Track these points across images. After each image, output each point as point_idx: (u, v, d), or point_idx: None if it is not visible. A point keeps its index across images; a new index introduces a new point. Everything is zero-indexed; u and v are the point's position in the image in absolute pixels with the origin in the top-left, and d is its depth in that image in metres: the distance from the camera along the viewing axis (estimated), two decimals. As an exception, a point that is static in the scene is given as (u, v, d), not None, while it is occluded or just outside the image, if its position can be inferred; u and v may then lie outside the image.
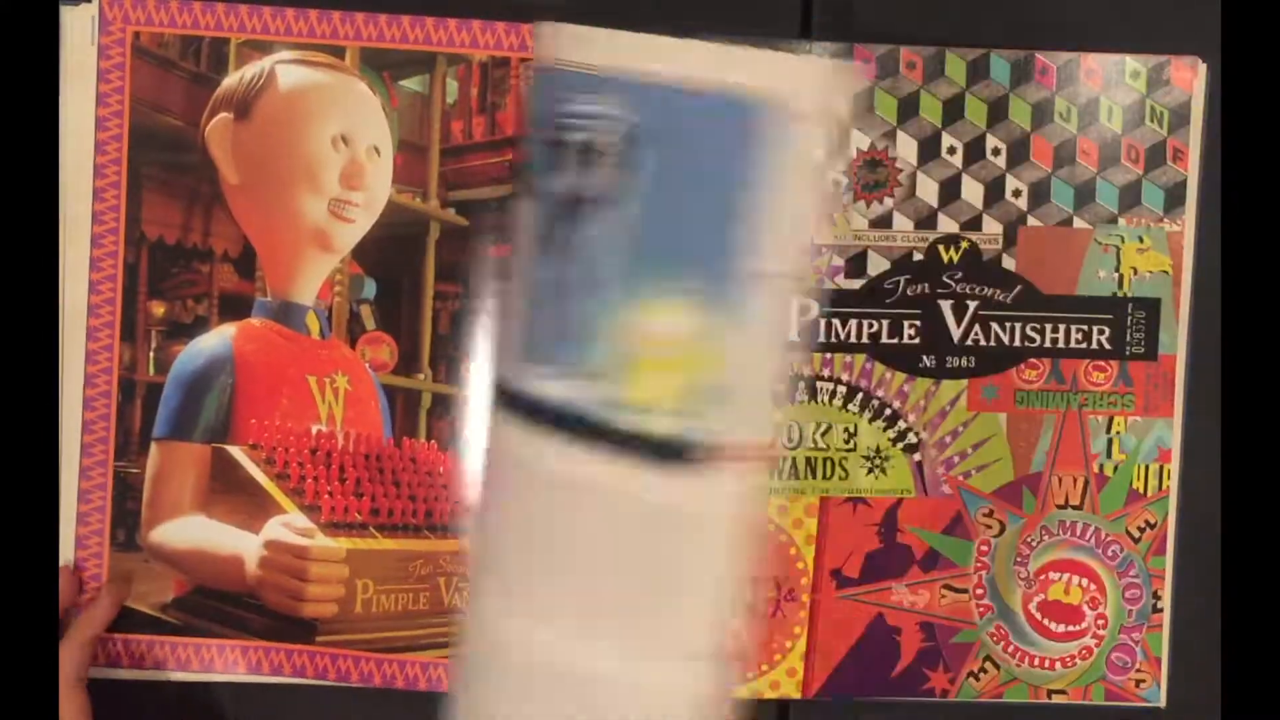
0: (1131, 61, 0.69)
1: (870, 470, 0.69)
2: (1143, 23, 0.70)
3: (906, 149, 0.69)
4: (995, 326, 0.70)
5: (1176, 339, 0.70)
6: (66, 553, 0.66)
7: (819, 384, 0.69)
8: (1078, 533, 0.70)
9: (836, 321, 0.69)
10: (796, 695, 0.69)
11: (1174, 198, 0.70)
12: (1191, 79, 0.69)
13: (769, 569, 0.69)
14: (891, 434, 0.70)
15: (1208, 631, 0.69)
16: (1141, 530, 0.70)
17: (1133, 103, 0.69)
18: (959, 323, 0.69)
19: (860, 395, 0.69)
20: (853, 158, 0.68)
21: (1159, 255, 0.70)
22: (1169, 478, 0.70)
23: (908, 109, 0.69)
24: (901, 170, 0.69)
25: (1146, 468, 0.70)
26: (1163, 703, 0.71)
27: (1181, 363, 0.70)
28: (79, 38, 0.64)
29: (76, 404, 0.65)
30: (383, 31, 0.65)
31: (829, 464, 0.69)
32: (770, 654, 0.69)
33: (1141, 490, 0.70)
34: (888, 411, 0.69)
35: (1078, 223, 0.70)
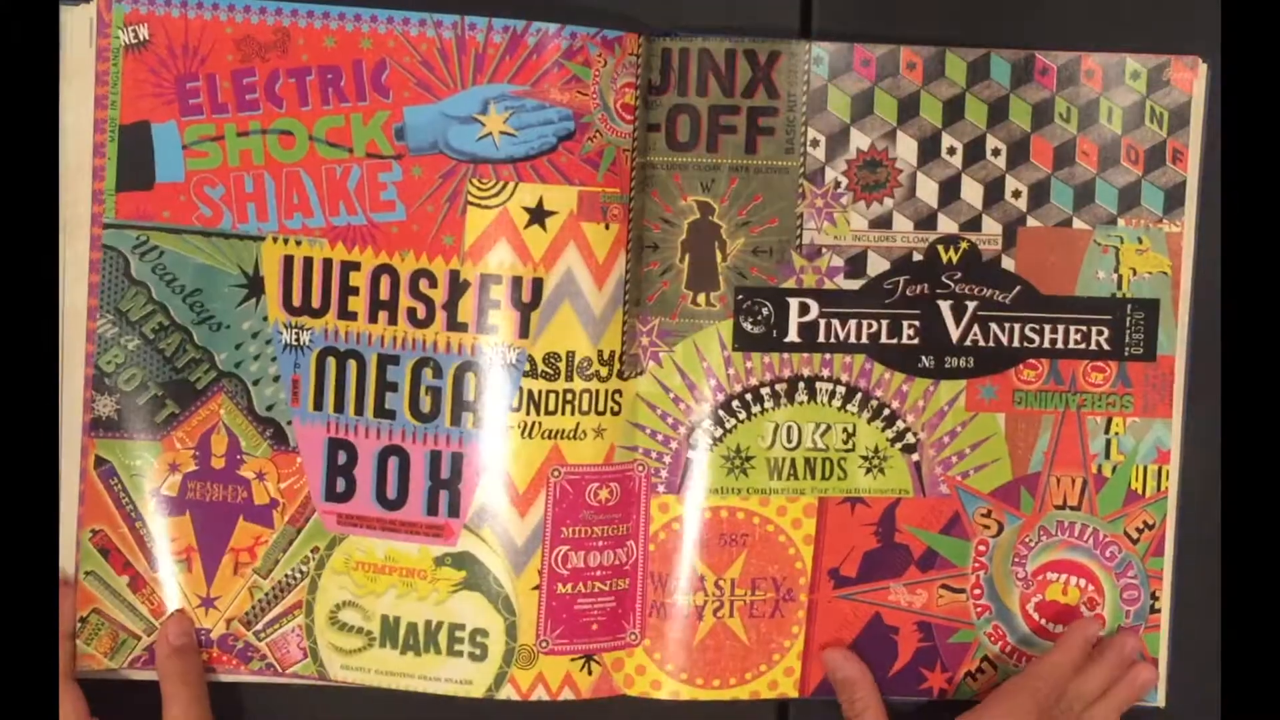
0: (1132, 62, 0.69)
1: (869, 470, 0.69)
2: (1143, 23, 0.70)
3: (906, 149, 0.68)
4: (994, 327, 0.69)
5: (1175, 340, 0.70)
6: (66, 554, 0.66)
7: (818, 384, 0.69)
8: (1075, 533, 0.70)
9: (836, 322, 0.69)
10: (795, 694, 0.69)
11: (1173, 199, 0.69)
12: (1191, 79, 0.69)
13: (768, 569, 0.69)
14: (890, 434, 0.69)
15: (1208, 631, 0.69)
16: (1140, 531, 0.70)
17: (1133, 103, 0.69)
18: (958, 323, 0.69)
19: (860, 395, 0.69)
20: (852, 158, 0.68)
21: (1158, 256, 0.69)
22: (1167, 479, 0.70)
23: (908, 109, 0.68)
24: (901, 171, 0.68)
25: (1145, 469, 0.70)
26: (1162, 703, 0.71)
27: (1181, 363, 0.70)
28: (79, 38, 0.64)
29: (77, 405, 0.65)
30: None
31: (828, 464, 0.69)
32: (769, 654, 0.69)
33: (1140, 491, 0.70)
34: (886, 411, 0.69)
35: (1077, 223, 0.69)
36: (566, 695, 0.67)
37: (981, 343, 0.69)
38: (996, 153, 0.69)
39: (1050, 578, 0.70)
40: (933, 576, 0.70)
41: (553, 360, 0.66)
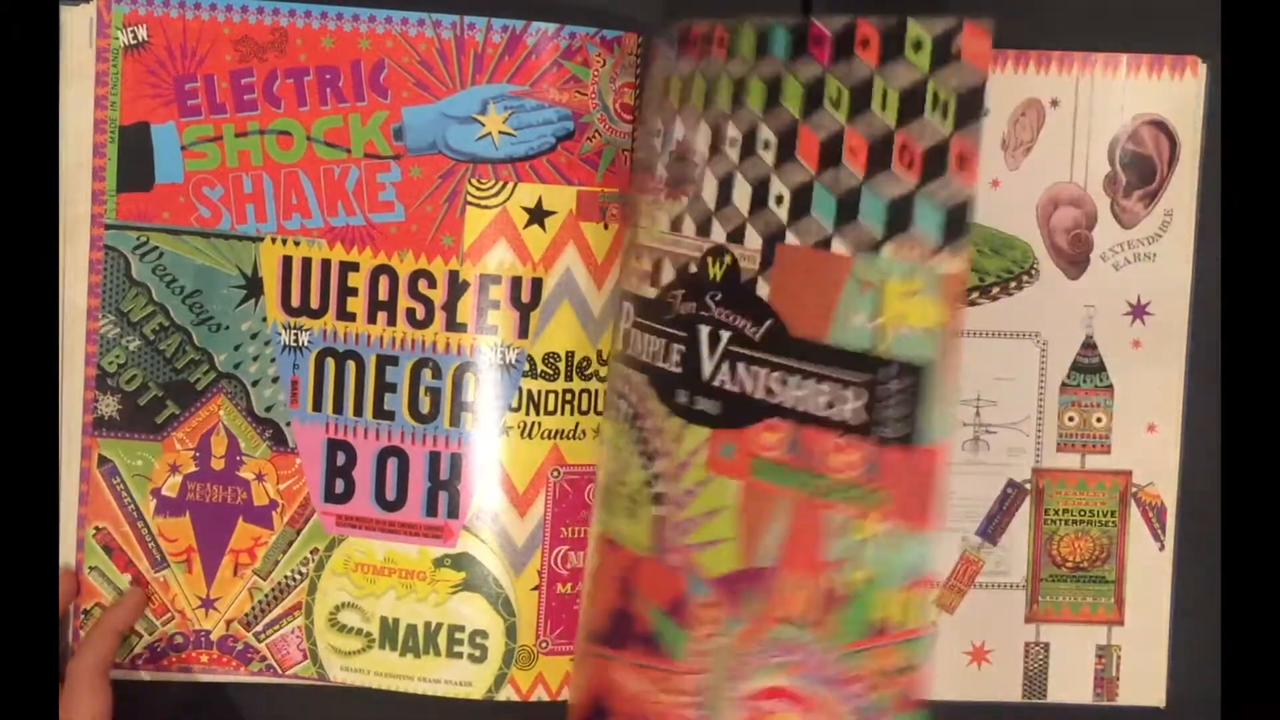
0: (916, 27, 0.49)
1: (626, 513, 0.58)
2: (1142, 22, 0.69)
3: (703, 141, 0.56)
4: (741, 368, 0.53)
5: (948, 427, 0.50)
6: (67, 553, 0.66)
7: (621, 402, 0.60)
8: (804, 659, 0.52)
9: (637, 333, 0.59)
10: None
11: (954, 224, 0.48)
12: (986, 51, 0.48)
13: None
14: (647, 475, 0.57)
15: (1208, 631, 0.69)
16: (890, 676, 0.51)
17: (912, 84, 0.49)
18: (711, 356, 0.55)
19: (633, 421, 0.59)
20: (673, 150, 0.59)
21: (930, 303, 0.49)
22: (923, 612, 0.51)
23: (711, 95, 0.56)
24: (697, 166, 0.57)
25: (892, 595, 0.51)
26: (1163, 702, 0.70)
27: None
28: (79, 38, 0.64)
29: (77, 404, 0.66)
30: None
31: (607, 493, 0.61)
32: None
33: (889, 621, 0.51)
34: (649, 447, 0.58)
35: (836, 246, 0.51)
36: (566, 695, 0.67)
37: (728, 385, 0.54)
38: (767, 146, 0.53)
39: (769, 707, 0.53)
40: (655, 664, 0.56)
41: (552, 360, 0.66)
